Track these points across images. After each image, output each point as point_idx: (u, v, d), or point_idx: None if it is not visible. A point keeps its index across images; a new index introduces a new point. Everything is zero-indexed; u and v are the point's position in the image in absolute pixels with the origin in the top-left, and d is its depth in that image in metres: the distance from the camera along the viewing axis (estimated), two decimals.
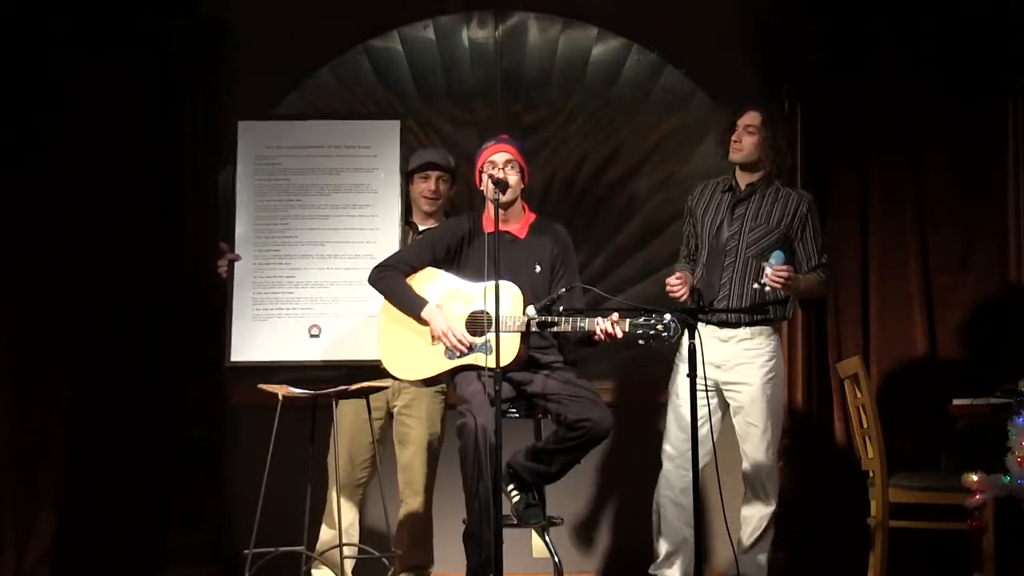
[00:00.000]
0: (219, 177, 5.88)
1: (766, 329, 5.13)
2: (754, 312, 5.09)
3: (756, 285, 5.00)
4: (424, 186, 5.31)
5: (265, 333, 5.25)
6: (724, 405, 5.19)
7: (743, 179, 5.22)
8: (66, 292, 5.71)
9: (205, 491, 5.86)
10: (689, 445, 5.08)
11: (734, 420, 5.15)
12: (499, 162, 4.86)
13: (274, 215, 5.31)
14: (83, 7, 5.82)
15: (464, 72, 6.30)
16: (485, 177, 4.82)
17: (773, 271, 4.93)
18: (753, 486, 5.16)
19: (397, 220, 5.28)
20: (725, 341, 5.03)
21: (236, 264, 5.27)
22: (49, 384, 5.69)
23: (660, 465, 5.23)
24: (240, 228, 5.29)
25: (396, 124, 5.39)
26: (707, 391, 5.04)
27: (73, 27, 5.80)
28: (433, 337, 4.82)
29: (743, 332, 5.08)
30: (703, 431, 5.04)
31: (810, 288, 5.17)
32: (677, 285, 5.07)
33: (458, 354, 4.77)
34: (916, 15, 5.98)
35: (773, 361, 5.15)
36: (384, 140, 5.34)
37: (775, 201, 5.16)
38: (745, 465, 5.12)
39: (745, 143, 5.16)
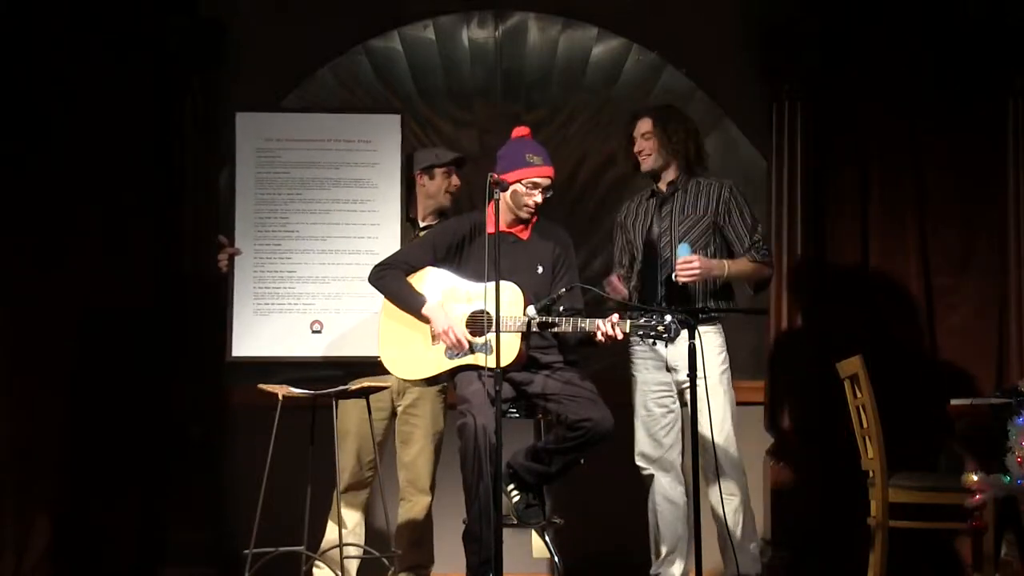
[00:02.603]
0: (220, 175, 5.89)
1: (712, 327, 5.16)
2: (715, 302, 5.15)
3: (674, 277, 5.04)
4: (448, 182, 5.32)
5: (266, 328, 5.24)
6: (681, 405, 5.22)
7: (662, 183, 5.28)
8: (66, 291, 5.71)
9: (205, 491, 5.86)
10: (662, 451, 5.19)
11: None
12: (543, 186, 4.84)
13: (274, 209, 5.29)
14: (83, 7, 5.82)
15: (464, 72, 6.30)
16: (522, 189, 4.81)
17: (678, 263, 5.01)
18: (721, 478, 5.16)
19: (398, 216, 5.27)
20: (684, 340, 4.98)
21: (236, 258, 5.25)
22: (49, 384, 5.69)
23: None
24: (240, 222, 5.26)
25: (396, 118, 5.37)
26: (683, 391, 5.06)
27: (73, 27, 5.80)
28: (433, 336, 4.82)
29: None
30: (673, 435, 5.19)
31: (742, 272, 5.20)
32: (614, 283, 5.18)
33: (458, 353, 4.77)
34: (916, 15, 5.98)
35: (723, 354, 5.20)
36: (385, 134, 5.31)
37: (698, 193, 5.23)
38: (711, 457, 5.11)
39: (647, 149, 5.23)
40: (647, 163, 5.26)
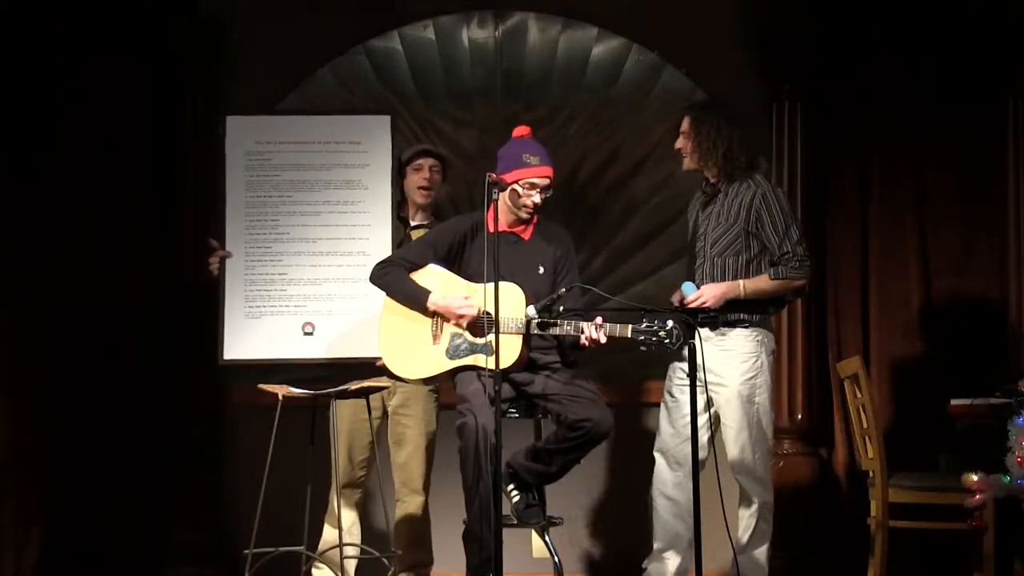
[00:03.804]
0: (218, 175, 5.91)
1: (743, 331, 5.07)
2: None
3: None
4: (418, 176, 5.29)
5: (258, 331, 5.23)
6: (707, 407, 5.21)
7: (708, 181, 5.24)
8: (66, 291, 5.71)
9: (205, 491, 5.87)
10: (679, 440, 5.15)
11: (701, 418, 5.12)
12: (542, 186, 4.83)
13: (265, 211, 5.29)
14: (83, 7, 5.82)
15: (464, 72, 6.30)
16: (520, 189, 4.80)
17: (688, 304, 4.97)
18: (738, 485, 5.16)
19: (389, 217, 5.27)
20: (704, 341, 4.95)
21: (227, 261, 5.25)
22: (49, 384, 5.69)
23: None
24: (230, 224, 5.26)
25: (387, 119, 5.36)
26: (706, 388, 5.04)
27: (73, 27, 5.80)
28: (435, 336, 4.82)
29: (718, 333, 5.05)
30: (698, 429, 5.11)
31: (761, 290, 5.05)
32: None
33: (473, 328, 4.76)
34: (916, 15, 5.99)
35: (751, 362, 5.08)
36: (375, 135, 5.31)
37: (736, 196, 5.13)
38: (730, 464, 5.11)
39: (685, 148, 5.19)
40: (684, 162, 5.21)
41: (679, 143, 5.21)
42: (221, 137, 5.29)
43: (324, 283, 5.27)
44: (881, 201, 6.01)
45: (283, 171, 5.30)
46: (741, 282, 5.05)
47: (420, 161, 5.31)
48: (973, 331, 5.94)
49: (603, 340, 4.65)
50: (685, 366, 5.07)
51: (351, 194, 5.29)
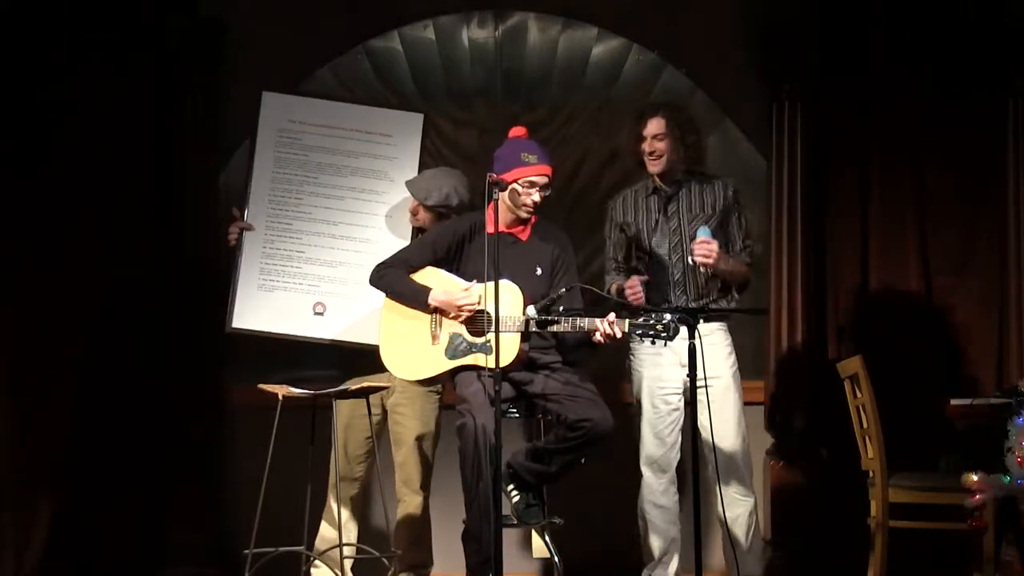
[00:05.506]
0: (221, 173, 5.92)
1: (718, 324, 5.17)
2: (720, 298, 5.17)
3: (690, 260, 5.06)
4: (413, 208, 5.32)
5: (269, 304, 5.32)
6: (686, 405, 5.23)
7: (665, 180, 5.25)
8: (66, 292, 5.71)
9: (205, 491, 5.86)
10: (664, 449, 5.18)
11: (700, 416, 5.11)
12: (541, 184, 4.83)
13: (289, 189, 5.37)
14: (83, 7, 5.81)
15: (464, 72, 6.30)
16: (520, 188, 4.80)
17: (697, 243, 5.00)
18: (733, 481, 5.15)
19: (410, 211, 5.32)
20: (685, 339, 4.95)
21: (247, 232, 5.31)
22: (49, 384, 5.69)
23: None
24: (253, 197, 5.34)
25: (420, 117, 5.47)
26: (695, 388, 5.05)
27: (73, 27, 5.80)
28: (433, 336, 4.83)
29: (703, 328, 5.02)
30: (676, 433, 5.18)
31: (736, 269, 5.19)
32: (638, 288, 5.08)
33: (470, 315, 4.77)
34: (916, 15, 5.98)
35: (733, 355, 5.23)
36: (406, 131, 5.41)
37: (703, 191, 5.21)
38: (723, 460, 5.10)
39: (660, 150, 5.16)
40: (658, 165, 5.18)
41: (652, 146, 5.17)
42: (255, 111, 5.38)
43: (340, 266, 5.34)
44: (881, 201, 6.01)
45: (312, 152, 5.40)
46: (728, 254, 5.14)
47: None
48: (973, 331, 5.94)
49: (619, 335, 4.65)
50: (673, 373, 5.12)
51: (376, 184, 5.38)
